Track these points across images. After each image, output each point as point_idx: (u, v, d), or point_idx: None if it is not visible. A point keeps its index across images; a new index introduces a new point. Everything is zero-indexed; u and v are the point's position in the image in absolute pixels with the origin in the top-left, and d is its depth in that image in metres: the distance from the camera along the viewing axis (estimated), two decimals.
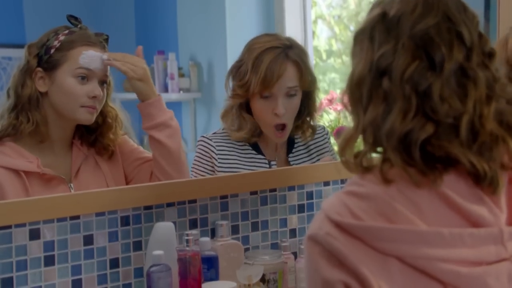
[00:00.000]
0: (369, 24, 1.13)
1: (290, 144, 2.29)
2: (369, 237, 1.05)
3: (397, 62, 1.08)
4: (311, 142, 2.30)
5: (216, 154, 2.21)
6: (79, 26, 2.00)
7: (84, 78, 1.95)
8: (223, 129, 2.25)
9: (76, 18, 2.01)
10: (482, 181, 1.08)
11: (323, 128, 2.37)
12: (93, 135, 2.03)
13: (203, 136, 2.26)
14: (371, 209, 1.07)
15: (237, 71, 2.20)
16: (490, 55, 1.13)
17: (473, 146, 1.08)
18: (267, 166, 2.23)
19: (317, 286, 1.07)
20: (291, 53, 2.16)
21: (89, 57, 1.95)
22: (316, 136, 2.31)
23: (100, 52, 1.98)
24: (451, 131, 1.07)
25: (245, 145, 2.23)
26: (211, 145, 2.22)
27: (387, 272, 1.05)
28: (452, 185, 1.08)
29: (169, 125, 2.00)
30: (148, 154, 2.08)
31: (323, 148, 2.32)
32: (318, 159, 2.29)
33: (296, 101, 2.19)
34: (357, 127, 1.12)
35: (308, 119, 2.27)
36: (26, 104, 1.93)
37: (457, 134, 1.07)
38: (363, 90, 1.11)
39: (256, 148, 2.24)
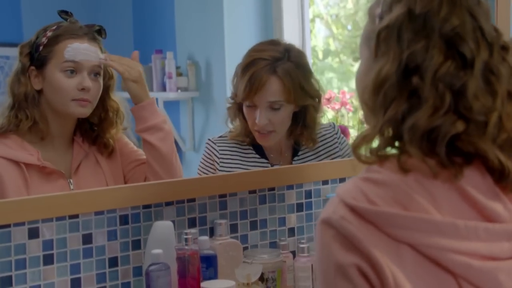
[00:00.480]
0: (394, 22, 1.11)
1: (296, 148, 2.25)
2: (382, 223, 1.05)
3: (429, 61, 1.07)
4: (319, 144, 2.25)
5: (218, 158, 2.21)
6: (68, 20, 1.99)
7: (73, 71, 1.94)
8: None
9: (66, 12, 2.00)
10: (505, 178, 1.08)
11: (333, 126, 2.31)
12: (95, 132, 2.03)
13: (209, 139, 2.27)
14: (388, 195, 1.06)
15: (236, 73, 2.20)
16: (506, 48, 1.13)
17: (496, 143, 1.08)
18: None
19: (329, 270, 1.06)
20: (280, 67, 2.11)
21: (74, 49, 1.94)
22: (324, 136, 2.26)
23: (87, 43, 1.96)
24: (480, 128, 1.07)
25: (249, 148, 2.22)
26: (214, 149, 2.22)
27: (399, 258, 1.04)
28: (470, 179, 1.08)
29: (161, 128, 1.99)
30: (145, 156, 2.07)
31: (333, 149, 2.26)
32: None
33: (282, 114, 2.14)
34: (375, 126, 1.11)
35: (305, 132, 2.21)
36: (23, 102, 1.93)
37: (484, 131, 1.07)
38: (387, 89, 1.09)
39: (260, 151, 2.22)
